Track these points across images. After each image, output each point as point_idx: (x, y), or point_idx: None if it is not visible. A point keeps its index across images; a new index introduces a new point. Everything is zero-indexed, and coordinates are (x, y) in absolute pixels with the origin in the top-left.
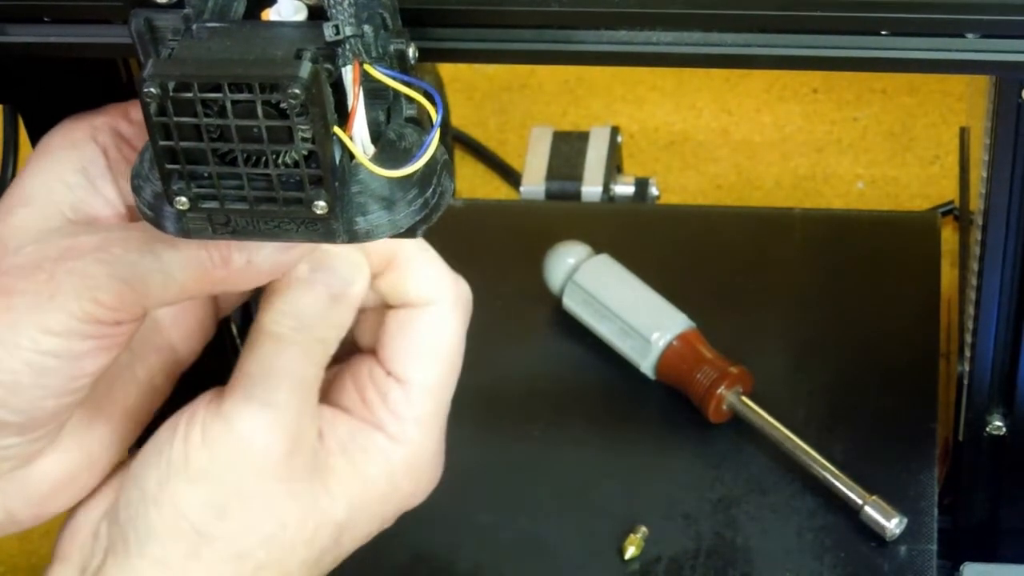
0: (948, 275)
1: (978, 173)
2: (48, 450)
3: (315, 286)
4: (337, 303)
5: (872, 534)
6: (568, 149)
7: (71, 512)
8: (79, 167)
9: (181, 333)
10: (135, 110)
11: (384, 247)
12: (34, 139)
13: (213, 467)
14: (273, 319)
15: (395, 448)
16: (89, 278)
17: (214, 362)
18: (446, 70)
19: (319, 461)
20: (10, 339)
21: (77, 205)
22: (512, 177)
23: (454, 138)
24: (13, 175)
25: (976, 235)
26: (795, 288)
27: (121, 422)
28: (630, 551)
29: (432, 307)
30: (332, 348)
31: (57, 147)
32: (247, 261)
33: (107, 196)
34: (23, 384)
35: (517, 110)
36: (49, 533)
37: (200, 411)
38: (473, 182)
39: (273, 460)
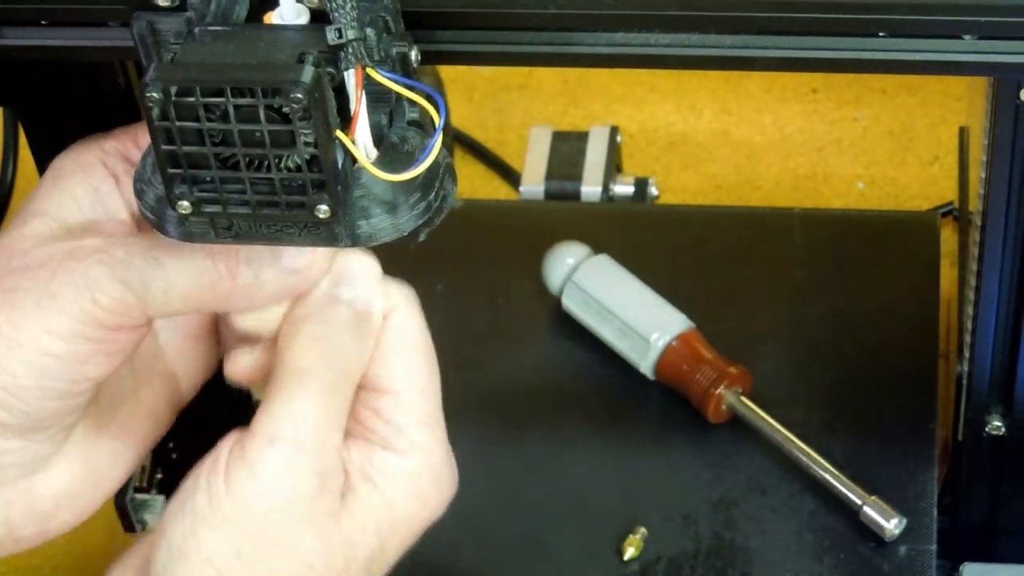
0: (948, 275)
1: (977, 173)
2: (52, 461)
3: (339, 308)
4: (362, 326)
5: (872, 534)
6: (568, 149)
7: (106, 571)
8: (91, 187)
9: (184, 362)
10: (143, 134)
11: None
12: (33, 141)
13: (238, 514)
14: (296, 353)
15: (409, 461)
16: (90, 279)
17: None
18: (446, 71)
19: (345, 493)
20: (13, 337)
21: (88, 222)
22: (512, 177)
23: (454, 138)
24: (13, 175)
25: (975, 235)
26: (795, 288)
27: (125, 443)
28: (629, 552)
29: (394, 313)
30: (357, 378)
31: (69, 170)
32: (255, 276)
33: (119, 216)
34: (25, 386)
35: (516, 110)
36: None
37: (223, 456)
38: (473, 182)
39: (300, 503)
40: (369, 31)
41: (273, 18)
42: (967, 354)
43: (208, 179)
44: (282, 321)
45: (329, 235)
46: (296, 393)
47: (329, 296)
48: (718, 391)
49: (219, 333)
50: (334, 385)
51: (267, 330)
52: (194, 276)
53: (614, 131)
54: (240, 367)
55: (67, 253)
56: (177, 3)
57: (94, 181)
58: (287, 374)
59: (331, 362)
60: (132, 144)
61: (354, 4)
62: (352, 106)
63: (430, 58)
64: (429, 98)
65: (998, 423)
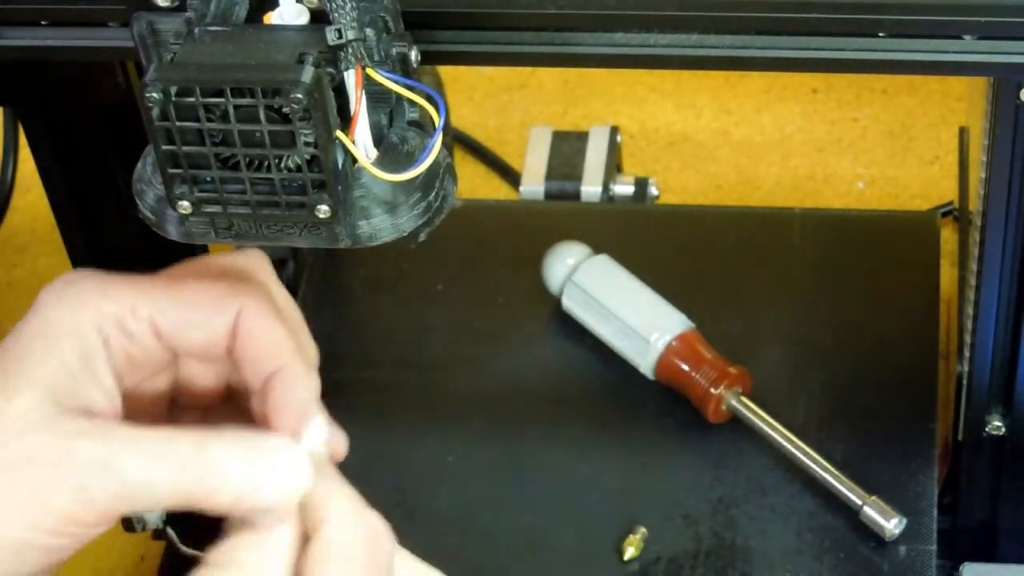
0: (948, 275)
1: (977, 173)
2: None
3: None
4: None
5: (872, 534)
6: (568, 149)
7: None
8: (81, 354)
9: None
10: (143, 303)
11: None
12: (33, 141)
13: None
14: None
15: None
16: (83, 486)
17: None
18: (446, 70)
19: None
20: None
21: (76, 392)
22: (512, 177)
23: (454, 138)
24: (13, 175)
25: (975, 235)
26: (795, 288)
27: None
28: (629, 552)
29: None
30: None
31: (64, 328)
32: (236, 497)
33: (106, 387)
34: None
35: (517, 110)
36: None
37: None
38: (473, 182)
39: None
40: (369, 31)
41: (273, 18)
42: (967, 354)
43: (208, 179)
44: None
45: (329, 235)
46: None
47: None
48: (718, 391)
49: None
50: None
51: None
52: (179, 493)
53: (614, 131)
54: None
55: (63, 455)
56: (177, 3)
57: (86, 348)
58: None
59: None
60: (131, 314)
61: (354, 4)
62: (352, 106)
63: (430, 58)
64: (429, 98)
65: (998, 423)
